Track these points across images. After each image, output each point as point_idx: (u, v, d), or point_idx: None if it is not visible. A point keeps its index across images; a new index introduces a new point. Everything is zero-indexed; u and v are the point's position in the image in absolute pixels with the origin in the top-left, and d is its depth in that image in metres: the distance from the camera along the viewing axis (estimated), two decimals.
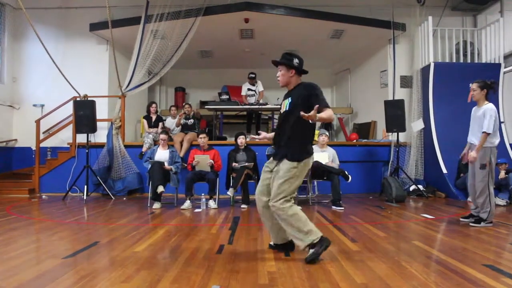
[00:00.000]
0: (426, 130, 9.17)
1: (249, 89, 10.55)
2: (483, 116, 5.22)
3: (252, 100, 10.44)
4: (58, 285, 2.93)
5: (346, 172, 7.24)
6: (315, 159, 7.50)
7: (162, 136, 7.81)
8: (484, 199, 5.23)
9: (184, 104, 9.92)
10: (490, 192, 5.23)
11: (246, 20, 9.59)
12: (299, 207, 3.81)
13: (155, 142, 8.87)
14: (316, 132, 9.61)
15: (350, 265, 3.45)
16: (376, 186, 9.20)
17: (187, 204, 7.06)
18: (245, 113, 10.78)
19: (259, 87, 10.66)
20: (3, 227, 5.25)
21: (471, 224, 5.30)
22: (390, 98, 9.80)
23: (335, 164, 7.62)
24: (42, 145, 9.59)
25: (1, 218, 5.93)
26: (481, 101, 5.39)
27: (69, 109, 9.53)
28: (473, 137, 5.40)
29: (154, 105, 9.76)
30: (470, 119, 5.54)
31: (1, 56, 10.32)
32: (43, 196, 8.87)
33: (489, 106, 5.28)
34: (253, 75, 10.53)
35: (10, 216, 6.14)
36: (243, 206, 7.24)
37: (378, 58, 11.22)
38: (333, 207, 7.08)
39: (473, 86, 5.45)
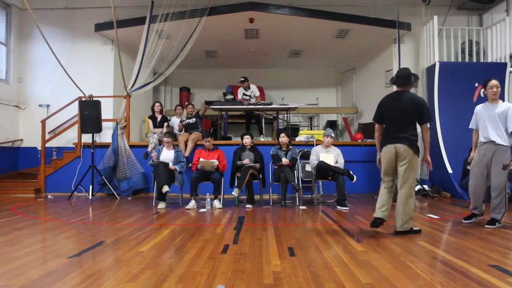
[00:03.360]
0: (432, 130, 9.11)
1: (244, 94, 10.51)
2: (507, 114, 5.06)
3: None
4: (64, 285, 2.94)
5: (351, 172, 7.23)
6: (320, 159, 7.54)
7: (166, 139, 7.80)
8: (501, 200, 5.11)
9: (187, 104, 9.93)
10: (506, 192, 5.13)
11: (251, 20, 9.60)
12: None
13: (160, 142, 8.88)
14: (319, 131, 9.63)
15: (355, 265, 3.44)
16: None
17: (192, 204, 7.07)
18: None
19: (255, 91, 10.58)
20: (10, 227, 5.28)
21: (485, 226, 5.16)
22: None
23: (340, 164, 7.61)
24: (47, 145, 9.64)
25: (7, 218, 5.97)
26: (497, 99, 5.25)
27: (74, 109, 9.55)
28: (497, 137, 5.12)
29: (157, 104, 9.75)
30: (481, 117, 5.33)
31: (7, 57, 10.37)
32: (49, 196, 8.92)
33: (510, 104, 5.14)
34: (242, 79, 10.46)
35: (16, 216, 6.18)
36: (248, 206, 7.24)
37: (383, 58, 11.20)
38: (338, 207, 7.08)
39: (497, 82, 5.24)
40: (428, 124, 4.76)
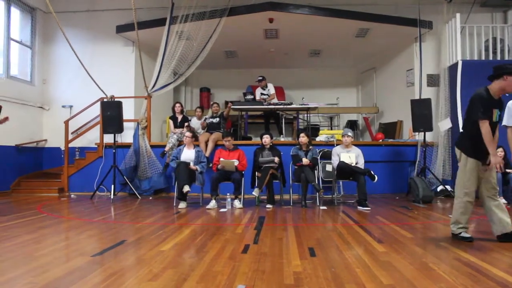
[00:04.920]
0: (454, 130, 8.99)
1: (261, 93, 10.51)
2: None
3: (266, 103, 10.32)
4: (87, 283, 2.99)
5: (372, 172, 7.16)
6: (341, 159, 7.49)
7: (187, 133, 7.86)
8: None
9: (212, 103, 9.98)
10: None
11: (271, 20, 9.59)
12: None
13: (180, 142, 8.92)
14: (340, 131, 9.57)
15: (376, 266, 3.42)
16: (402, 186, 9.08)
17: (213, 203, 7.11)
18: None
19: (271, 89, 10.57)
20: (35, 225, 5.39)
21: None
22: (417, 97, 9.65)
23: (360, 164, 7.54)
24: (70, 145, 9.80)
25: (32, 216, 6.09)
26: None
27: (96, 110, 9.72)
28: None
29: (178, 105, 9.82)
30: None
31: (32, 59, 10.59)
32: (72, 195, 9.07)
33: None
34: (260, 78, 10.45)
35: (41, 215, 6.30)
36: (268, 206, 7.24)
37: (404, 57, 11.06)
38: (359, 207, 7.02)
39: None
40: (483, 120, 4.22)
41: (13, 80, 9.86)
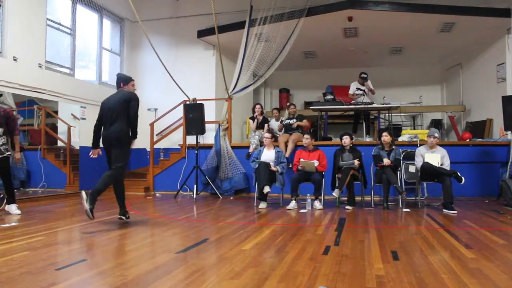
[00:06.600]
0: None
1: (358, 89, 10.28)
2: None
3: (360, 100, 10.13)
4: (172, 278, 3.09)
5: (459, 174, 6.76)
6: (425, 160, 7.15)
7: (267, 134, 7.92)
8: None
9: (288, 104, 9.97)
10: None
11: (350, 19, 9.39)
12: None
13: (261, 143, 8.99)
14: (423, 131, 9.14)
15: (465, 273, 3.20)
16: (492, 189, 8.47)
17: (293, 204, 7.09)
18: (352, 113, 10.58)
19: (370, 86, 10.36)
20: (124, 222, 5.69)
21: None
22: (509, 93, 8.97)
23: (446, 166, 7.14)
24: (155, 146, 10.25)
25: None
26: None
27: (179, 112, 10.08)
28: None
29: (258, 106, 9.89)
30: None
31: (120, 66, 11.25)
32: (157, 194, 9.49)
33: None
34: (365, 75, 10.24)
35: (129, 212, 6.61)
36: (348, 207, 7.11)
37: (494, 51, 10.32)
38: (445, 210, 6.67)
39: None
40: None
41: (104, 86, 10.51)
